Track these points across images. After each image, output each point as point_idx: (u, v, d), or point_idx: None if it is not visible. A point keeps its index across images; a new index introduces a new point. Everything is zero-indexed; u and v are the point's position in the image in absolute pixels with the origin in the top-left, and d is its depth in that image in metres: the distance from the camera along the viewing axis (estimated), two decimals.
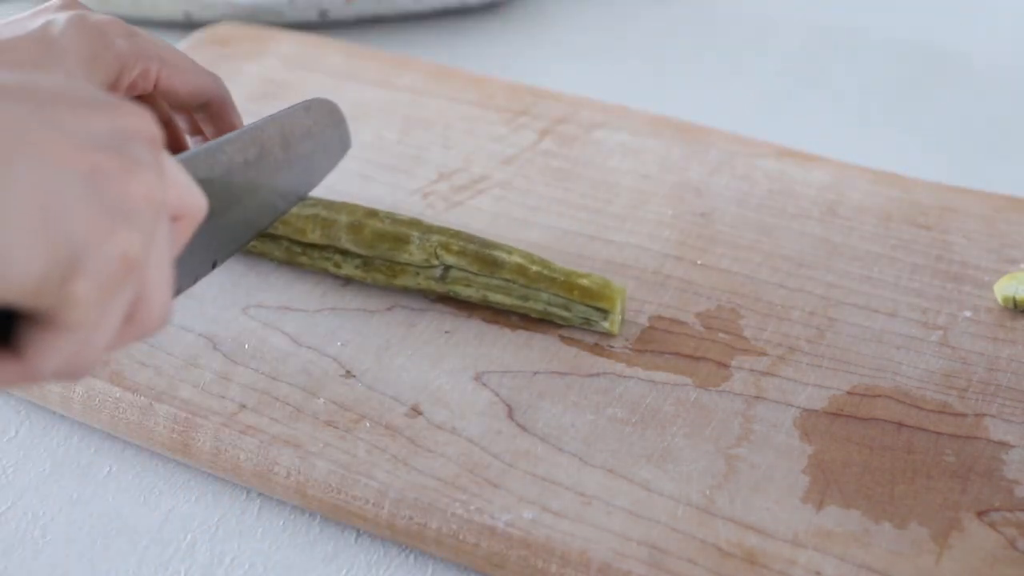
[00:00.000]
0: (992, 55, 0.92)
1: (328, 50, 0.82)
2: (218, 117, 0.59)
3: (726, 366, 0.57)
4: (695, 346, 0.58)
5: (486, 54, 0.92)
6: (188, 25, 0.92)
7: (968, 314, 0.60)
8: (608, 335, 0.58)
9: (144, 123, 0.39)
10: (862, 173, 0.70)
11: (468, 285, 0.58)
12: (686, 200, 0.68)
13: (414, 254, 0.58)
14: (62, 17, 0.54)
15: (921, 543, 0.48)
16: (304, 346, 0.57)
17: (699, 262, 0.63)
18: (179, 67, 0.57)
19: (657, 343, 0.58)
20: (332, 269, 0.60)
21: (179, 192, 0.41)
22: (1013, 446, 0.52)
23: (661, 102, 0.80)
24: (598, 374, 0.56)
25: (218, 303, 0.60)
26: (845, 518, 0.49)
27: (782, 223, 0.66)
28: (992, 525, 0.49)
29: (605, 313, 0.57)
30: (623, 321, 0.59)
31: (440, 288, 0.59)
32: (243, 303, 0.60)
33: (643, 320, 0.59)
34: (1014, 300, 0.59)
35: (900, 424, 0.53)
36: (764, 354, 0.57)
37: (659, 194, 0.68)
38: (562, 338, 0.58)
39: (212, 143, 0.52)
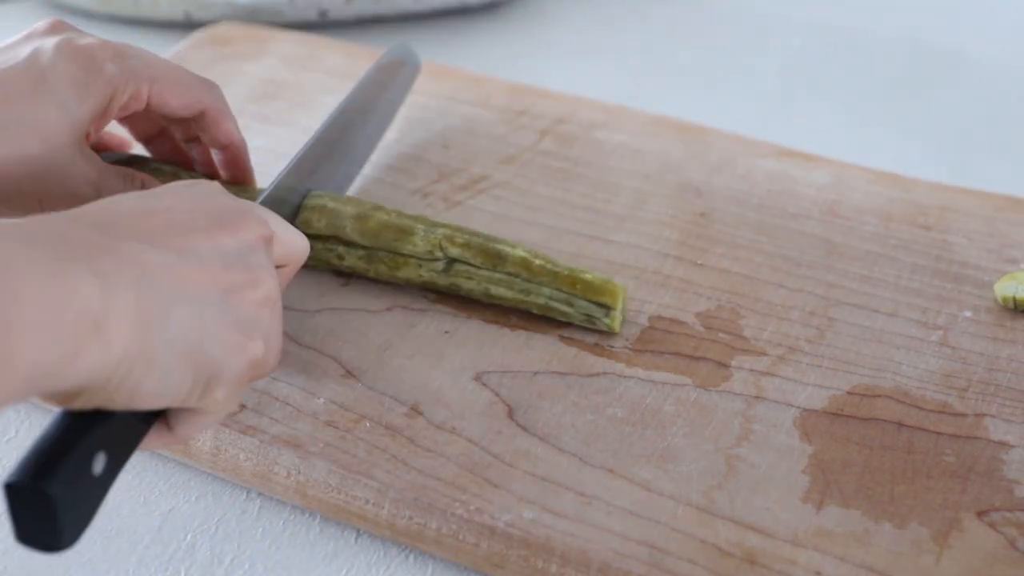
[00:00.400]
0: (991, 55, 0.92)
1: (328, 50, 0.82)
2: (214, 125, 0.59)
3: (726, 366, 0.57)
4: (695, 346, 0.58)
5: (486, 54, 0.92)
6: (188, 25, 0.92)
7: (968, 314, 0.60)
8: (609, 334, 0.58)
9: (261, 229, 0.45)
10: (862, 173, 0.70)
11: (470, 278, 0.58)
12: (686, 200, 0.68)
13: (418, 245, 0.58)
14: (50, 44, 0.54)
15: (921, 543, 0.48)
16: (304, 346, 0.57)
17: (699, 262, 0.63)
18: (171, 83, 0.57)
19: (657, 343, 0.58)
20: (335, 261, 0.60)
21: (285, 247, 0.48)
22: (1013, 446, 0.52)
23: (661, 102, 0.80)
24: (598, 374, 0.56)
25: None
26: (845, 518, 0.49)
27: (782, 223, 0.66)
28: (992, 525, 0.49)
29: (607, 310, 0.57)
30: (624, 321, 0.59)
31: (443, 281, 0.59)
32: None
33: (643, 320, 0.59)
34: (1014, 300, 0.59)
35: (900, 424, 0.53)
36: (764, 354, 0.57)
37: (659, 194, 0.68)
38: (562, 338, 0.58)
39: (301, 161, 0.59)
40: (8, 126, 0.52)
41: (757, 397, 0.55)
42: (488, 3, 0.97)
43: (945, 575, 0.47)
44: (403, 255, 0.59)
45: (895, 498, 0.50)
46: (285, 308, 0.60)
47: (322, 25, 0.93)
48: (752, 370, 0.56)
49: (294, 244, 0.49)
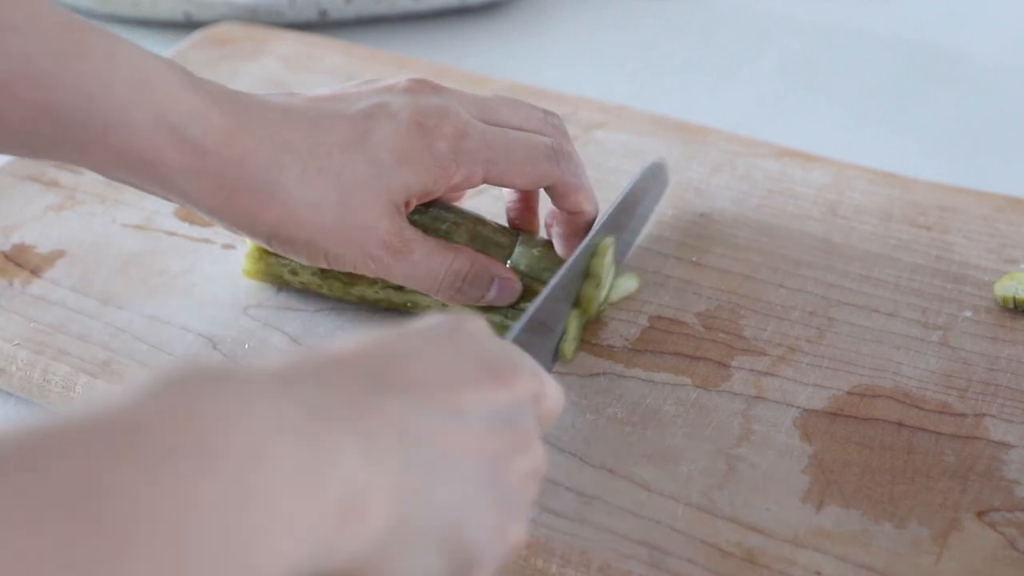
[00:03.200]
0: (992, 55, 0.92)
1: (328, 50, 0.82)
2: (562, 197, 0.55)
3: (726, 366, 0.57)
4: (695, 346, 0.58)
5: (486, 54, 0.92)
6: (188, 25, 0.92)
7: (968, 314, 0.60)
8: (609, 334, 0.58)
9: (534, 384, 0.40)
10: (862, 173, 0.70)
11: (426, 297, 0.57)
12: (686, 200, 0.68)
13: None
14: (396, 105, 0.52)
15: (921, 543, 0.48)
16: (304, 346, 0.57)
17: (699, 262, 0.63)
18: (512, 164, 0.53)
19: (657, 343, 0.58)
20: (288, 277, 0.59)
21: (545, 403, 0.41)
22: (1013, 446, 0.52)
23: (661, 102, 0.80)
24: (598, 374, 0.56)
25: (218, 303, 0.60)
26: (845, 518, 0.49)
27: (782, 223, 0.66)
28: (992, 525, 0.49)
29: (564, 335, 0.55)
30: (577, 348, 0.56)
31: (398, 299, 0.58)
32: (243, 303, 0.60)
33: (643, 320, 0.59)
34: (1014, 300, 0.59)
35: (900, 424, 0.53)
36: (764, 354, 0.57)
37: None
38: None
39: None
40: (312, 170, 0.50)
41: (757, 397, 0.55)
42: (488, 3, 0.97)
43: (945, 575, 0.47)
44: (357, 273, 0.56)
45: (895, 498, 0.50)
46: (285, 308, 0.60)
47: (322, 25, 0.93)
48: (752, 370, 0.56)
49: (554, 398, 0.42)
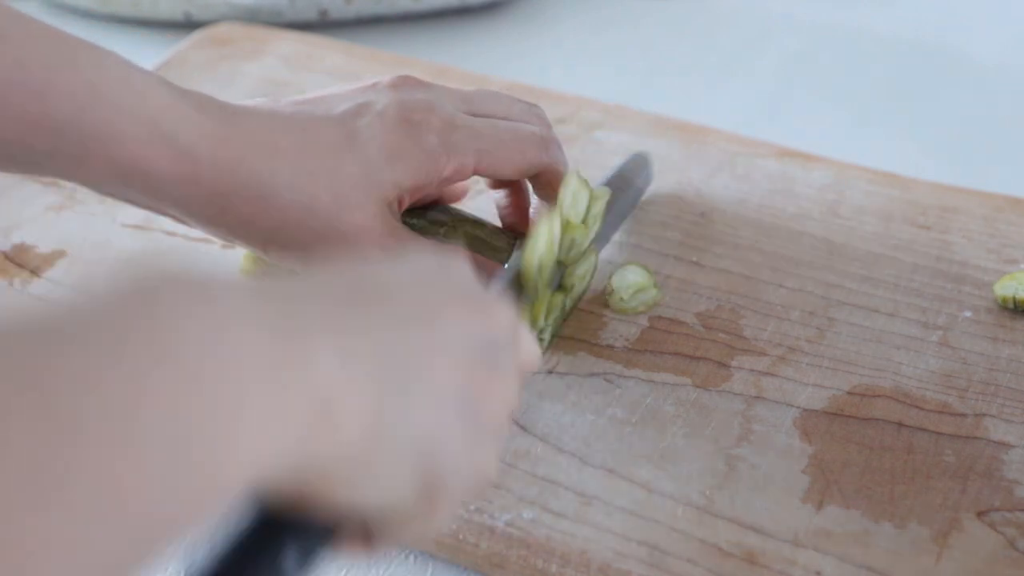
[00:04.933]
0: (992, 55, 0.92)
1: (328, 50, 0.82)
2: (548, 186, 0.56)
3: (726, 366, 0.57)
4: (695, 346, 0.58)
5: (486, 54, 0.92)
6: (188, 25, 0.92)
7: (968, 314, 0.60)
8: (608, 334, 0.58)
9: (510, 321, 0.40)
10: (862, 173, 0.70)
11: None
12: (686, 200, 0.67)
13: None
14: (380, 103, 0.52)
15: (921, 543, 0.48)
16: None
17: (699, 262, 0.63)
18: (503, 152, 0.54)
19: (657, 343, 0.58)
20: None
21: (525, 351, 0.41)
22: (1013, 446, 0.52)
23: (661, 102, 0.80)
24: (598, 374, 0.56)
25: None
26: (845, 518, 0.49)
27: (782, 223, 0.66)
28: (992, 525, 0.49)
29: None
30: (551, 339, 0.57)
31: None
32: None
33: (643, 320, 0.59)
34: (1014, 300, 0.59)
35: (900, 424, 0.53)
36: (764, 354, 0.57)
37: (659, 194, 0.68)
38: (562, 338, 0.58)
39: None
40: (303, 173, 0.50)
41: (757, 397, 0.55)
42: (488, 3, 0.97)
43: (945, 575, 0.47)
44: None
45: (895, 498, 0.50)
46: None
47: (322, 25, 0.93)
48: (752, 370, 0.56)
49: (530, 352, 0.42)
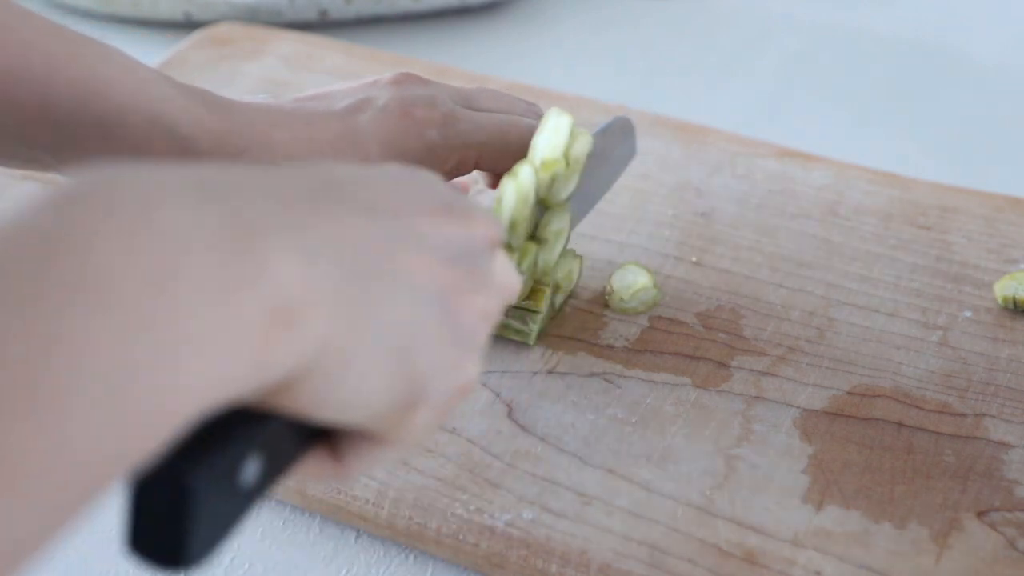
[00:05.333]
0: (992, 55, 0.92)
1: (328, 50, 0.82)
2: None
3: (726, 366, 0.56)
4: (695, 346, 0.58)
5: (486, 54, 0.92)
6: (188, 25, 0.92)
7: (968, 314, 0.60)
8: (609, 334, 0.58)
9: (492, 229, 0.39)
10: (862, 173, 0.70)
11: None
12: (686, 200, 0.67)
13: None
14: (382, 99, 0.52)
15: (921, 543, 0.48)
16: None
17: (699, 262, 0.63)
18: (503, 145, 0.53)
19: (657, 343, 0.58)
20: None
21: (500, 275, 0.40)
22: (1013, 446, 0.52)
23: (661, 102, 0.80)
24: (598, 374, 0.56)
25: None
26: (845, 518, 0.49)
27: (782, 223, 0.66)
28: (992, 525, 0.49)
29: (528, 314, 0.56)
30: (539, 332, 0.57)
31: None
32: None
33: (643, 320, 0.59)
34: (1014, 300, 0.59)
35: (900, 424, 0.53)
36: (764, 354, 0.57)
37: (659, 194, 0.68)
38: (562, 338, 0.58)
39: None
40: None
41: (757, 397, 0.55)
42: (488, 3, 0.97)
43: (945, 575, 0.47)
44: None
45: (895, 498, 0.50)
46: None
47: (322, 25, 0.93)
48: (752, 370, 0.56)
49: (509, 273, 0.40)
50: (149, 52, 0.85)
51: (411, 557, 0.51)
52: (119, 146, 0.48)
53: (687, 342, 0.58)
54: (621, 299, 0.60)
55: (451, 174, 0.54)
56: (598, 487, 0.50)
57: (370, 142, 0.51)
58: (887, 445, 0.52)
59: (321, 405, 0.31)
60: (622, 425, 0.53)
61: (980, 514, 0.49)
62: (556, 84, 0.81)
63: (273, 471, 0.33)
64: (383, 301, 0.32)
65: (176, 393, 0.27)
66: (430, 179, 0.39)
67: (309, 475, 0.35)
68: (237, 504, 0.32)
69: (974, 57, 0.92)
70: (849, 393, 0.55)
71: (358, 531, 0.52)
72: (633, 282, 0.60)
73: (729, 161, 0.71)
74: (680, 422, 0.53)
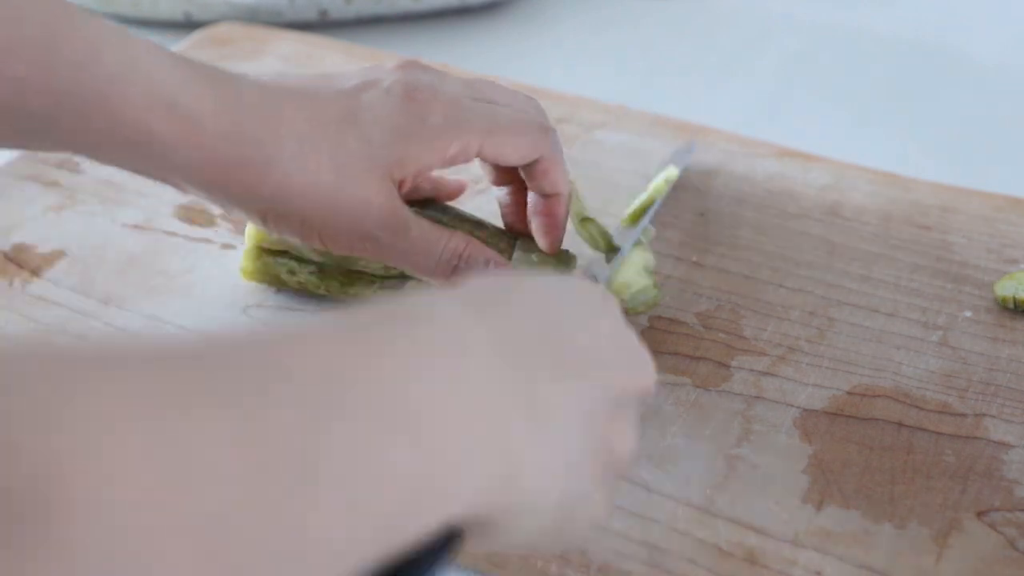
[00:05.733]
0: (992, 55, 0.92)
1: (328, 50, 0.82)
2: (543, 174, 0.55)
3: (726, 366, 0.56)
4: (695, 346, 0.58)
5: (486, 54, 0.92)
6: (188, 25, 0.92)
7: (968, 314, 0.60)
8: None
9: (651, 378, 0.41)
10: (862, 173, 0.70)
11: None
12: (686, 200, 0.67)
13: (371, 262, 0.57)
14: (386, 82, 0.52)
15: (921, 543, 0.48)
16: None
17: (699, 262, 0.63)
18: (508, 136, 0.53)
19: (657, 343, 0.58)
20: (286, 277, 0.59)
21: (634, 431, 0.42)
22: (1013, 446, 0.52)
23: (661, 102, 0.80)
24: None
25: (217, 303, 0.60)
26: (845, 518, 0.49)
27: (782, 223, 0.66)
28: (992, 525, 0.49)
29: None
30: None
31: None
32: (242, 303, 0.60)
33: (643, 320, 0.59)
34: (1014, 300, 0.59)
35: (900, 424, 0.53)
36: (764, 354, 0.57)
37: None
38: None
39: None
40: (306, 144, 0.50)
41: (757, 397, 0.55)
42: (488, 3, 0.97)
43: (945, 575, 0.47)
44: (356, 271, 0.57)
45: (895, 498, 0.50)
46: (285, 308, 0.60)
47: (322, 25, 0.93)
48: (752, 370, 0.56)
49: (651, 381, 0.43)
50: None
51: None
52: (119, 117, 0.47)
53: (687, 342, 0.58)
54: (621, 299, 0.60)
55: (452, 161, 0.53)
56: None
57: (374, 123, 0.51)
58: (887, 445, 0.52)
59: (498, 541, 0.35)
60: None
61: (980, 514, 0.49)
62: (556, 84, 0.81)
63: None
64: (567, 461, 0.35)
65: (447, 494, 0.31)
66: (603, 306, 0.41)
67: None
68: None
69: (974, 57, 0.92)
70: (849, 393, 0.55)
71: None
72: (633, 282, 0.60)
73: (729, 161, 0.71)
74: (680, 422, 0.53)
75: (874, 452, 0.52)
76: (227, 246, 0.64)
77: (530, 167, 0.55)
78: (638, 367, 0.40)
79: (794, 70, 0.90)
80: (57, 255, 0.63)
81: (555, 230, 0.56)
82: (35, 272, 0.62)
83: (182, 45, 0.83)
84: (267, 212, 0.51)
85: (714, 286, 0.61)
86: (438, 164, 0.53)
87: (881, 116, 0.85)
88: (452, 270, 0.54)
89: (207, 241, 0.64)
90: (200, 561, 0.24)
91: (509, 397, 0.33)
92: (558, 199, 0.56)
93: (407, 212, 0.52)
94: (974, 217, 0.66)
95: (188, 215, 0.66)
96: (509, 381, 0.33)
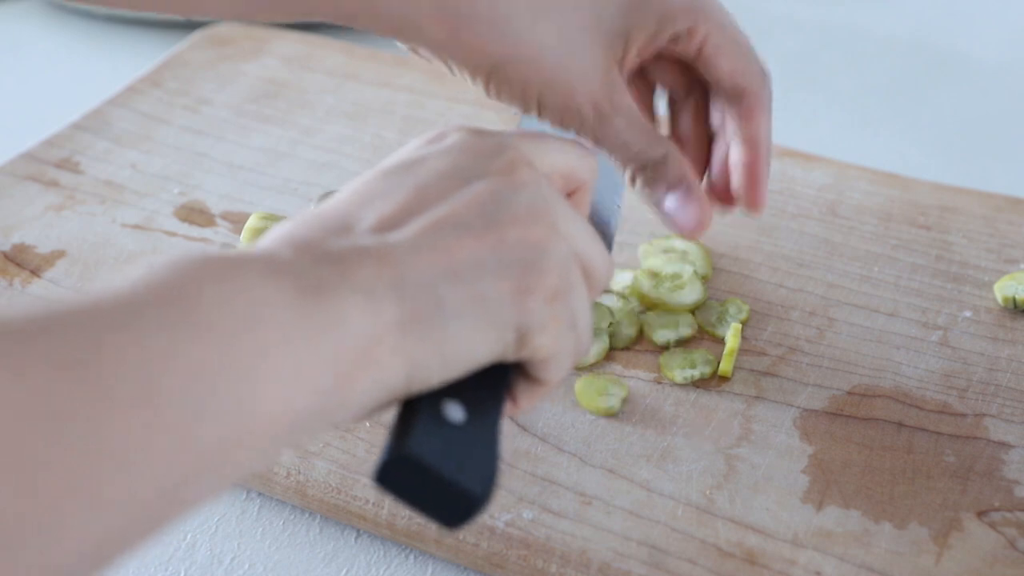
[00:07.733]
0: (992, 55, 0.92)
1: (328, 50, 0.82)
2: (748, 114, 0.52)
3: None
4: (695, 346, 0.58)
5: None
6: (188, 25, 0.92)
7: (968, 314, 0.60)
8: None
9: (533, 171, 0.41)
10: (862, 173, 0.70)
11: None
12: None
13: None
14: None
15: (921, 543, 0.48)
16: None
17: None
18: (731, 42, 0.53)
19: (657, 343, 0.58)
20: None
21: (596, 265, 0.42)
22: (1013, 446, 0.52)
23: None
24: (598, 374, 0.56)
25: None
26: (845, 518, 0.49)
27: (782, 223, 0.66)
28: (992, 525, 0.49)
29: None
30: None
31: None
32: None
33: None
34: (1014, 300, 0.59)
35: (900, 424, 0.53)
36: (764, 354, 0.57)
37: None
38: None
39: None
40: (540, 9, 0.49)
41: (757, 397, 0.55)
42: None
43: (945, 575, 0.47)
44: None
45: (895, 498, 0.50)
46: None
47: (322, 25, 0.93)
48: (752, 370, 0.56)
49: (602, 259, 0.43)
50: (149, 52, 0.86)
51: (411, 557, 0.51)
52: None
53: (687, 342, 0.58)
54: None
55: (672, 44, 0.52)
56: (598, 487, 0.50)
57: None
58: (887, 445, 0.52)
59: (436, 378, 0.36)
60: (622, 425, 0.53)
61: (980, 514, 0.49)
62: None
63: (482, 405, 0.38)
64: (446, 302, 0.36)
65: (260, 412, 0.31)
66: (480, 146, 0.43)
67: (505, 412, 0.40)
68: (466, 439, 0.36)
69: (974, 57, 0.92)
70: (849, 393, 0.55)
71: (358, 531, 0.52)
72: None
73: None
74: (680, 422, 0.53)
75: (874, 452, 0.52)
76: (227, 246, 0.64)
77: (736, 104, 0.53)
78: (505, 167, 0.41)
79: (794, 70, 0.90)
80: (57, 255, 0.63)
81: (755, 185, 0.53)
82: (35, 272, 0.62)
83: (182, 45, 0.83)
84: (492, 72, 0.50)
85: (714, 286, 0.61)
86: (661, 43, 0.51)
87: (881, 116, 0.85)
88: (639, 168, 0.52)
89: (207, 241, 0.64)
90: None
91: (319, 303, 0.34)
92: (758, 152, 0.52)
93: (623, 99, 0.51)
94: (974, 217, 0.66)
95: (188, 215, 0.66)
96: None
